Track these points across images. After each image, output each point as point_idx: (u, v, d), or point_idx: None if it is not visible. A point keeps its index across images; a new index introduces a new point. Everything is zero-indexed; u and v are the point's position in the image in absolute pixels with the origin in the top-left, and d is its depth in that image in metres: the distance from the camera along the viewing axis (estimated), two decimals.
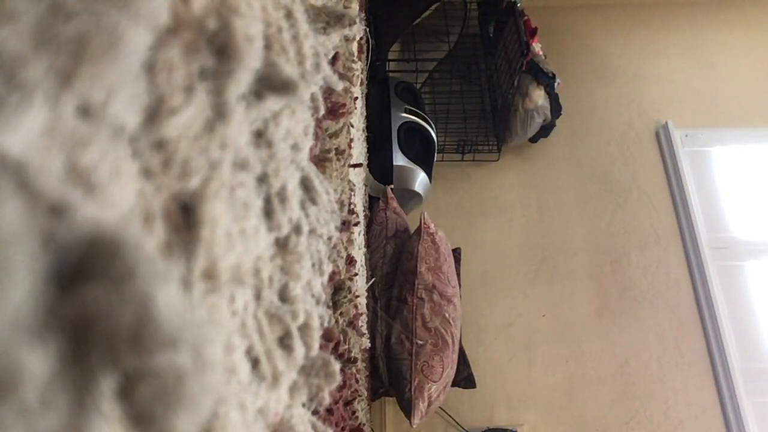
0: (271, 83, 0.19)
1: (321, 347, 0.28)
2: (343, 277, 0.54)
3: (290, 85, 0.19)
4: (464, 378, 1.53)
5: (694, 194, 2.08)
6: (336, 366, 0.27)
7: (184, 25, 0.14)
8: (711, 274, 1.94)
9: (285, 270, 0.25)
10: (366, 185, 1.20)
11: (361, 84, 0.75)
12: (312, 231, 0.30)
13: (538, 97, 2.00)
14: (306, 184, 0.29)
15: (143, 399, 0.10)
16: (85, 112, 0.12)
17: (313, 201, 0.30)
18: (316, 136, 0.30)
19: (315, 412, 0.29)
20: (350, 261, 0.60)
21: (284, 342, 0.24)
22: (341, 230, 0.47)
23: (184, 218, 0.15)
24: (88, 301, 0.09)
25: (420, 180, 1.78)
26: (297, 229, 0.26)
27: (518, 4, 1.99)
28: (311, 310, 0.27)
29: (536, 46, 2.01)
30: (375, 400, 1.51)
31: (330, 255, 0.37)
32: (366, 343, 0.83)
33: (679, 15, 2.42)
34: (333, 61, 0.35)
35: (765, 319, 1.95)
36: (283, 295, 0.25)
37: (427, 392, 1.29)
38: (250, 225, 0.19)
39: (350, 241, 0.63)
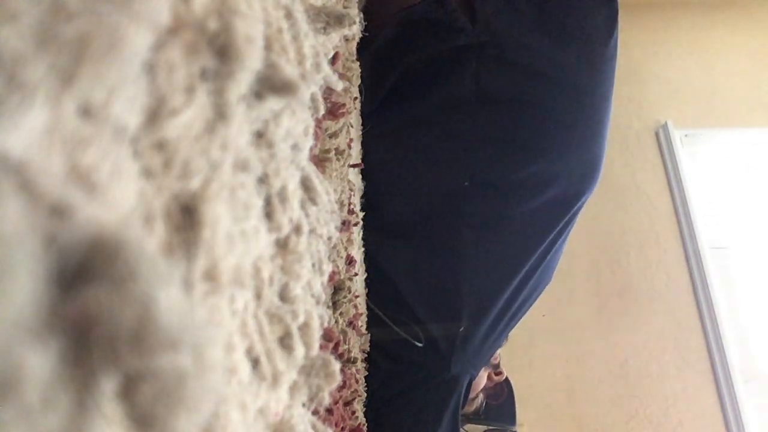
0: (271, 84, 0.19)
1: (321, 347, 0.28)
2: (342, 277, 0.54)
3: (290, 85, 0.19)
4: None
5: (694, 194, 2.08)
6: (336, 366, 0.27)
7: (185, 26, 0.14)
8: (711, 275, 1.94)
9: (285, 270, 0.25)
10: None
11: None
12: (312, 231, 0.30)
13: None
14: (306, 184, 0.29)
15: (144, 400, 0.10)
16: (86, 112, 0.12)
17: (313, 201, 0.30)
18: (316, 136, 0.30)
19: (315, 412, 0.29)
20: (350, 261, 0.60)
21: (284, 342, 0.24)
22: (341, 230, 0.47)
23: (185, 219, 0.15)
24: (90, 302, 0.09)
25: None
26: (297, 229, 0.26)
27: None
28: (311, 310, 0.27)
29: None
30: None
31: (330, 255, 0.37)
32: (366, 343, 0.83)
33: (679, 15, 2.42)
34: (333, 61, 0.35)
35: (765, 320, 1.95)
36: (284, 295, 0.25)
37: None
38: (250, 225, 0.19)
39: (350, 241, 0.63)
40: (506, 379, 1.33)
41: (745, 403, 1.78)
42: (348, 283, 0.56)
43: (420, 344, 0.93)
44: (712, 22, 2.41)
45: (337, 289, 0.52)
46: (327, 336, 0.34)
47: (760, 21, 2.40)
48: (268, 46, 0.20)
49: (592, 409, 1.82)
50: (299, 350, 0.24)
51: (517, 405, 1.36)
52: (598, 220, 2.03)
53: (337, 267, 0.51)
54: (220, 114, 0.16)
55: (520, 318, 1.08)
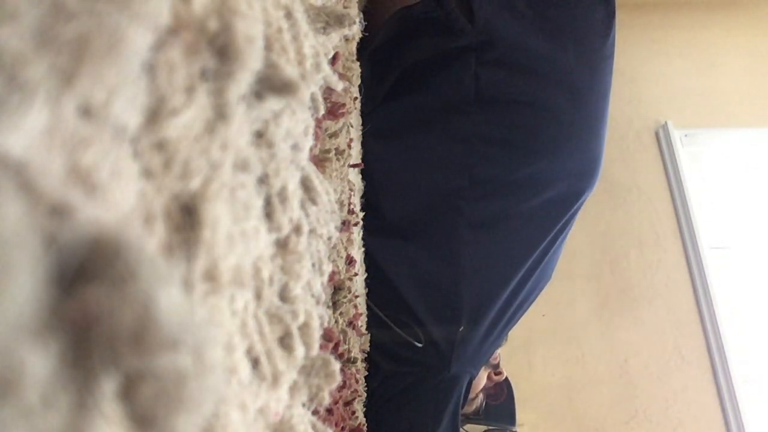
0: (271, 84, 0.19)
1: (321, 347, 0.28)
2: (342, 277, 0.54)
3: (291, 85, 0.19)
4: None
5: (694, 194, 2.08)
6: (336, 366, 0.27)
7: (185, 26, 0.14)
8: (711, 275, 1.94)
9: (285, 270, 0.25)
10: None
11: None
12: (312, 231, 0.30)
13: None
14: (306, 184, 0.29)
15: (144, 400, 0.10)
16: (86, 112, 0.12)
17: (313, 201, 0.30)
18: (316, 136, 0.30)
19: (315, 412, 0.29)
20: (350, 261, 0.60)
21: (284, 342, 0.24)
22: (341, 230, 0.47)
23: (185, 219, 0.15)
24: (90, 302, 0.09)
25: None
26: (297, 229, 0.26)
27: None
28: (311, 310, 0.27)
29: None
30: None
31: (330, 255, 0.37)
32: (366, 343, 0.83)
33: (679, 15, 2.42)
34: (333, 61, 0.35)
35: (765, 320, 1.95)
36: (284, 295, 0.25)
37: None
38: (250, 225, 0.19)
39: (350, 241, 0.63)
40: (506, 379, 1.33)
41: (745, 403, 1.78)
42: (348, 283, 0.56)
43: (420, 344, 0.93)
44: (712, 22, 2.41)
45: (337, 289, 0.52)
46: (327, 336, 0.34)
47: (760, 21, 2.39)
48: (268, 46, 0.20)
49: (592, 409, 1.82)
50: (299, 350, 0.24)
51: (516, 405, 1.36)
52: (598, 220, 2.02)
53: (337, 267, 0.51)
54: (220, 114, 0.16)
55: (520, 317, 1.08)
